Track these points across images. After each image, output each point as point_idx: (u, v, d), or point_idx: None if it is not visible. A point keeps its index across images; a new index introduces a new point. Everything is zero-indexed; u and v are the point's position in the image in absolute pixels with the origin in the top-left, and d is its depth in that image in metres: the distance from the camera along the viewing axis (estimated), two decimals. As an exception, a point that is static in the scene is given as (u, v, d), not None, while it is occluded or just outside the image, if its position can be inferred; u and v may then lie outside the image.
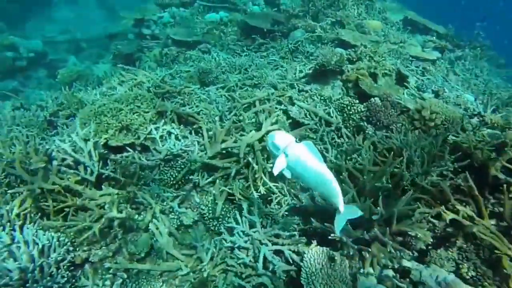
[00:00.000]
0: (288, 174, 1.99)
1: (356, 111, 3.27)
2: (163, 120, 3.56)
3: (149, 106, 3.59)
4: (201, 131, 3.51)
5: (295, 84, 4.00)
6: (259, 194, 3.04)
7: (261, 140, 3.18)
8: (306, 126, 3.27)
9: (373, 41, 4.88)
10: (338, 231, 2.08)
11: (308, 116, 3.41)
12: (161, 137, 3.41)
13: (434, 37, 5.68)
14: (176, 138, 3.49)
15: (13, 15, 12.45)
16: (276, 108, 3.63)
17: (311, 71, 4.21)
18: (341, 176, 2.59)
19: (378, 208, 2.33)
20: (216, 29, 6.36)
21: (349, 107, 3.29)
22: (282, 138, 1.96)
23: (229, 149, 3.16)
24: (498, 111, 3.59)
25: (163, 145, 3.33)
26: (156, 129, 3.44)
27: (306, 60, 4.79)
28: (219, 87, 4.36)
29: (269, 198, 3.05)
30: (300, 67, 4.50)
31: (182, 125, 3.69)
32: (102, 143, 3.17)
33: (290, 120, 3.55)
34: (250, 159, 3.06)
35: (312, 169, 1.92)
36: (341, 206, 1.98)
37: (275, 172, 1.95)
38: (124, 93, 3.91)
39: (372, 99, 3.29)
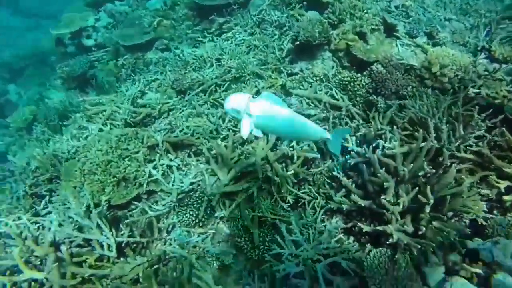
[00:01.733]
0: (259, 133, 1.93)
1: (361, 85, 3.00)
2: (157, 155, 3.20)
3: (136, 144, 3.19)
4: (202, 152, 3.20)
5: (281, 68, 3.62)
6: (289, 204, 2.86)
7: (272, 148, 2.91)
8: (314, 118, 2.99)
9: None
10: (338, 152, 2.19)
11: (311, 104, 3.12)
12: (163, 174, 3.08)
13: None
14: (178, 169, 3.18)
15: None
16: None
17: (292, 45, 3.83)
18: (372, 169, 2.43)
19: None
20: (166, 19, 5.64)
21: (352, 83, 3.01)
22: (238, 100, 1.87)
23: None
24: (495, 37, 3.41)
25: (169, 184, 3.02)
26: (154, 168, 3.10)
27: (278, 32, 4.36)
28: (198, 92, 3.94)
29: (299, 204, 2.89)
30: (277, 43, 4.09)
31: (178, 151, 3.36)
32: (105, 207, 2.83)
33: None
34: (269, 174, 2.82)
35: (283, 120, 1.87)
36: (327, 134, 2.00)
37: (244, 135, 1.89)
38: (102, 135, 3.45)
39: (374, 67, 3.01)
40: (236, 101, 1.88)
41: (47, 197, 3.36)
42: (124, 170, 2.95)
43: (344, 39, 3.31)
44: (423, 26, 3.64)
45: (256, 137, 2.04)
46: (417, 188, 2.23)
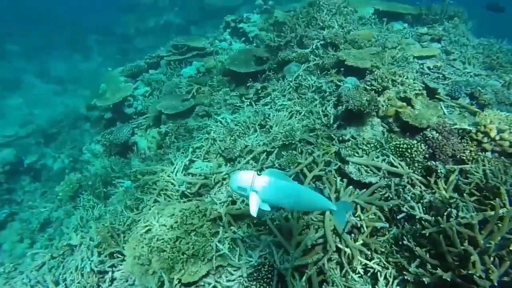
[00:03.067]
0: (266, 207, 1.98)
1: (418, 151, 3.10)
2: (220, 228, 3.25)
3: (200, 218, 3.26)
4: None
5: (332, 135, 3.77)
6: (359, 275, 2.82)
7: (339, 219, 2.94)
8: (375, 185, 3.05)
9: (374, 54, 4.74)
10: (343, 224, 2.36)
11: (369, 171, 3.20)
12: (231, 249, 3.10)
13: (426, 28, 5.63)
14: (243, 242, 3.20)
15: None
16: (329, 171, 3.40)
17: (335, 110, 4.02)
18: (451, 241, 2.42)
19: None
20: (203, 85, 6.01)
21: (409, 150, 3.11)
22: (244, 178, 1.95)
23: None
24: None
25: (236, 258, 3.03)
26: (220, 241, 3.13)
27: (318, 97, 4.59)
28: (248, 161, 4.07)
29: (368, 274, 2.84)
30: (320, 108, 4.29)
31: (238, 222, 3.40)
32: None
33: (345, 180, 3.31)
34: (339, 245, 2.82)
35: (287, 192, 1.96)
36: (332, 205, 2.03)
37: (254, 212, 1.94)
38: (161, 208, 3.54)
39: (429, 133, 3.13)
40: (242, 179, 1.97)
41: (110, 273, 3.37)
42: (192, 246, 2.98)
43: (393, 105, 3.48)
44: (463, 87, 3.81)
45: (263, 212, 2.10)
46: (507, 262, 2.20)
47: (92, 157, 7.96)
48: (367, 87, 3.82)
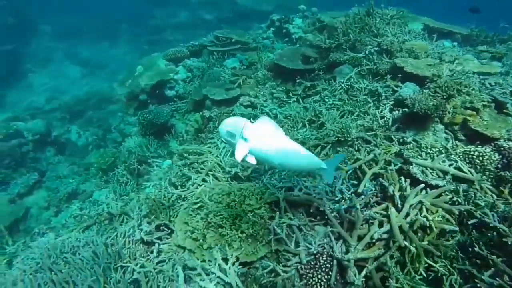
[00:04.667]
0: (252, 160, 1.85)
1: (490, 160, 3.04)
2: (277, 213, 3.19)
3: (258, 200, 3.21)
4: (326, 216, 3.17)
5: (392, 136, 3.73)
6: (421, 277, 2.74)
7: (407, 216, 2.87)
8: (443, 188, 2.99)
9: (431, 65, 4.72)
10: (331, 180, 2.28)
11: (434, 174, 3.14)
12: (287, 235, 3.04)
13: (486, 46, 5.59)
14: (299, 229, 3.13)
15: (-7, 93, 11.64)
16: (391, 170, 3.34)
17: (394, 115, 3.99)
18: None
19: None
20: (249, 77, 6.02)
21: (480, 158, 3.05)
22: (235, 123, 1.81)
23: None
24: None
25: (292, 245, 2.97)
26: (278, 226, 3.07)
27: (371, 100, 4.56)
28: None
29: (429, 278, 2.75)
30: (376, 111, 4.26)
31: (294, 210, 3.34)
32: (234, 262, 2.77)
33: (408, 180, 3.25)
34: (406, 243, 2.74)
35: (278, 144, 1.81)
36: (322, 164, 1.93)
37: (239, 157, 1.79)
38: (221, 188, 3.48)
39: (504, 144, 3.07)
40: (233, 124, 1.82)
41: (156, 245, 3.32)
42: (252, 226, 2.93)
43: (461, 113, 3.43)
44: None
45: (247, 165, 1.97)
46: None
47: (119, 136, 8.00)
48: (431, 94, 3.78)
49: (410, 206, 2.87)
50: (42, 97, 12.36)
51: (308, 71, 5.76)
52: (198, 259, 2.92)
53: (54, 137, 8.98)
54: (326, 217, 3.15)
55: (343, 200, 3.31)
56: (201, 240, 2.98)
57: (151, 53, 8.73)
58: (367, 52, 5.33)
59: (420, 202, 2.89)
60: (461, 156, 3.17)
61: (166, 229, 3.48)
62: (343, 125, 4.06)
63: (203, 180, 3.90)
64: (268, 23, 8.11)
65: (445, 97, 3.72)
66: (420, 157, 3.34)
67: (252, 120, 1.87)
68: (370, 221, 3.05)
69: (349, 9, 7.24)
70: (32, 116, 9.81)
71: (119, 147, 6.31)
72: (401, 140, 3.67)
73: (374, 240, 2.82)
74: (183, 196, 3.83)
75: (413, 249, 2.73)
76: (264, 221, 3.05)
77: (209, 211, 3.10)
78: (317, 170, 2.04)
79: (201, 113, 5.57)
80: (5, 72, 12.50)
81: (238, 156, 1.80)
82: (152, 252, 3.23)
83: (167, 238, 3.40)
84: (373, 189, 3.31)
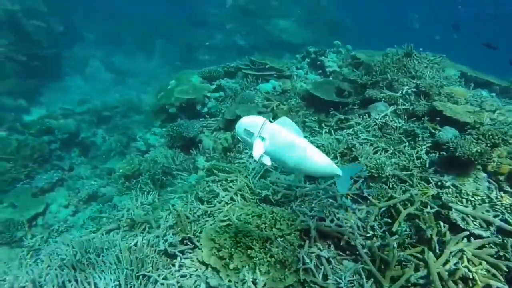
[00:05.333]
0: (268, 161, 1.80)
1: (540, 216, 2.90)
2: (306, 243, 3.09)
3: (289, 226, 3.13)
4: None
5: (429, 178, 3.63)
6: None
7: (445, 263, 2.73)
8: (487, 239, 2.85)
9: (470, 112, 4.66)
10: (346, 190, 2.13)
11: (477, 224, 3.01)
12: (315, 266, 2.93)
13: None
14: (328, 262, 3.02)
15: (30, 91, 12.17)
16: (428, 212, 3.22)
17: (430, 158, 3.91)
18: None
19: None
20: (282, 103, 6.09)
21: (529, 213, 2.92)
22: (253, 122, 1.79)
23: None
24: None
25: (319, 277, 2.85)
26: (307, 255, 2.97)
27: (406, 140, 4.50)
28: (332, 184, 3.96)
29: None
30: (410, 150, 4.19)
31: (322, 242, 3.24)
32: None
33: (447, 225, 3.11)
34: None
35: (295, 146, 1.77)
36: (338, 170, 1.87)
37: (256, 156, 1.74)
38: (250, 209, 3.43)
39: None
40: (252, 122, 1.81)
41: (178, 258, 3.25)
42: (282, 251, 2.84)
43: (509, 164, 3.33)
44: None
45: (263, 165, 1.90)
46: None
47: (144, 146, 8.12)
48: (473, 140, 3.70)
49: (450, 253, 2.73)
50: (75, 100, 12.82)
51: (341, 104, 5.79)
52: (222, 279, 2.83)
53: (81, 138, 9.21)
54: (357, 252, 3.04)
55: (374, 238, 3.21)
56: (227, 259, 2.90)
57: (182, 69, 9.04)
58: (403, 92, 5.34)
59: (461, 250, 2.74)
60: (508, 209, 3.04)
61: (190, 244, 3.42)
62: (378, 161, 4.00)
63: (231, 199, 3.87)
64: (304, 54, 8.29)
65: (489, 145, 3.63)
66: (460, 204, 3.22)
67: (271, 120, 1.85)
68: (403, 263, 2.93)
69: (381, 49, 7.41)
70: (65, 116, 10.15)
71: (144, 156, 6.38)
72: (439, 183, 3.56)
73: (409, 284, 2.67)
74: (209, 212, 3.79)
75: (452, 300, 2.57)
76: (294, 248, 2.96)
77: (239, 231, 3.03)
78: (333, 177, 2.06)
79: (232, 132, 5.61)
80: (45, 74, 13.14)
81: (256, 153, 1.78)
82: (173, 265, 3.16)
83: (189, 253, 3.34)
84: (408, 230, 3.20)
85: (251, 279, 2.62)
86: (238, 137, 1.95)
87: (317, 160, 1.85)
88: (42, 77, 13.00)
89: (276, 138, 1.79)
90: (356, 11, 23.16)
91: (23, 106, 11.02)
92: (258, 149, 1.77)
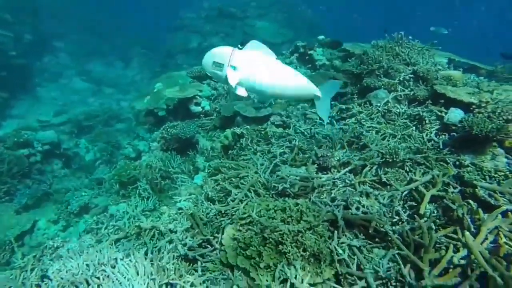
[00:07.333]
0: (243, 92, 1.68)
1: None
2: (335, 233, 2.94)
3: (316, 217, 2.96)
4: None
5: (446, 159, 3.58)
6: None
7: (483, 242, 2.64)
8: (517, 214, 2.80)
9: (470, 93, 4.70)
10: (326, 118, 1.88)
11: (505, 199, 2.96)
12: (348, 257, 2.78)
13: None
14: (360, 251, 2.87)
15: (1, 104, 11.42)
16: (451, 191, 3.16)
17: (442, 139, 3.89)
18: None
19: None
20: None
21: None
22: (221, 52, 1.67)
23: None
24: None
25: (354, 267, 2.70)
26: (338, 245, 2.81)
27: (411, 124, 4.48)
28: (346, 172, 3.84)
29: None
30: (421, 134, 4.15)
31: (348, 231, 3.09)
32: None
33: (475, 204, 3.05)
34: (490, 272, 2.49)
35: (269, 70, 1.66)
36: (317, 91, 1.75)
37: (234, 82, 1.63)
38: (268, 204, 3.23)
39: None
40: (218, 53, 1.67)
41: (199, 262, 3.01)
42: (315, 244, 2.67)
43: (527, 139, 3.34)
44: None
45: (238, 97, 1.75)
46: None
47: (133, 152, 7.76)
48: (485, 118, 3.70)
49: (487, 230, 2.66)
50: (50, 111, 12.15)
51: (339, 94, 5.72)
52: (254, 279, 2.62)
53: (63, 149, 8.68)
54: (388, 238, 2.92)
55: (401, 222, 3.10)
56: (257, 258, 2.69)
57: (161, 75, 8.75)
58: (401, 79, 5.34)
59: (497, 227, 2.68)
60: (529, 183, 3.02)
61: (209, 246, 3.18)
62: (390, 146, 3.92)
63: (245, 196, 3.66)
64: (292, 49, 8.21)
65: (502, 121, 3.64)
66: (483, 181, 3.18)
67: (240, 46, 1.74)
68: (437, 245, 2.83)
69: (364, 41, 7.49)
70: (42, 128, 9.55)
71: (135, 162, 6.05)
72: (457, 163, 3.52)
73: (451, 266, 2.57)
74: (223, 212, 3.57)
75: (500, 280, 2.48)
76: (325, 239, 2.79)
77: (265, 226, 2.83)
78: (314, 100, 1.90)
79: (232, 129, 5.41)
80: (15, 85, 12.38)
81: (232, 81, 1.67)
82: (196, 270, 2.91)
83: (209, 256, 3.10)
84: (435, 211, 3.12)
85: (294, 275, 2.42)
86: (207, 73, 1.84)
87: (296, 81, 1.75)
88: (11, 88, 12.23)
89: (248, 65, 1.66)
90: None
91: (-4, 121, 10.31)
92: (233, 78, 1.65)
